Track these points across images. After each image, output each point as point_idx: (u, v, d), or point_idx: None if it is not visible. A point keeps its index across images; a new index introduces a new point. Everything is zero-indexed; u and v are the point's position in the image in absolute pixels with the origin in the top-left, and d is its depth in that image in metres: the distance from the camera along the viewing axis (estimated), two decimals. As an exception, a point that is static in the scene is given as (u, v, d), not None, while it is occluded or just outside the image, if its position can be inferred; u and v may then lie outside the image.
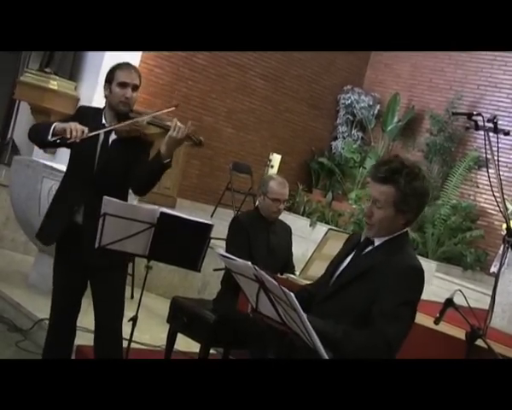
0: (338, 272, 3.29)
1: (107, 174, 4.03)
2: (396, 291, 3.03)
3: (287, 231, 5.47)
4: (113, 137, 4.08)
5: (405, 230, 3.21)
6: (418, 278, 3.10)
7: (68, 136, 3.82)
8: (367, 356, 2.93)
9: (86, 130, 3.86)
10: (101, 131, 3.99)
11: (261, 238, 5.19)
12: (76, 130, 3.83)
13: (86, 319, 4.42)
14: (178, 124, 3.86)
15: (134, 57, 9.19)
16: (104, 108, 4.16)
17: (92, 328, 4.25)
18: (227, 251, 5.10)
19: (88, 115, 4.16)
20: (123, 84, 4.03)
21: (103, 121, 4.11)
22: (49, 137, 3.90)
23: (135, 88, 4.07)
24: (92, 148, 4.04)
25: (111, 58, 8.85)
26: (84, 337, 4.83)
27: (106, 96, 4.13)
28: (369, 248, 3.23)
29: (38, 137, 4.04)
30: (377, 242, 3.21)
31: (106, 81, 4.11)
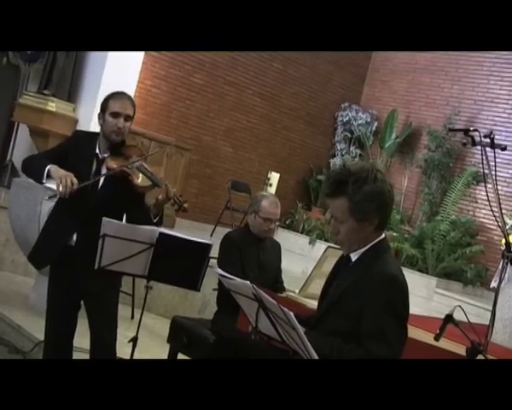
0: (327, 295, 3.24)
1: (101, 200, 4.07)
2: (377, 307, 2.95)
3: (276, 247, 5.45)
4: (103, 169, 4.12)
5: (381, 236, 3.12)
6: (397, 285, 3.01)
7: (58, 190, 3.87)
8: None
9: (76, 182, 3.88)
10: (89, 182, 4.01)
11: (252, 255, 5.17)
12: (65, 186, 3.84)
13: (85, 340, 4.41)
14: (162, 192, 4.00)
15: (131, 77, 9.25)
16: (99, 135, 4.19)
17: (86, 347, 4.26)
18: (219, 268, 5.11)
19: (83, 141, 4.21)
20: (115, 114, 4.07)
21: (97, 150, 4.14)
22: (44, 181, 3.97)
23: (127, 118, 4.11)
24: (85, 174, 4.06)
25: (109, 79, 8.97)
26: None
27: (100, 125, 4.16)
28: (349, 265, 3.17)
29: (34, 176, 4.08)
30: (354, 257, 3.13)
31: (100, 110, 4.15)
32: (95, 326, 4.18)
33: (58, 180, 3.88)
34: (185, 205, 4.04)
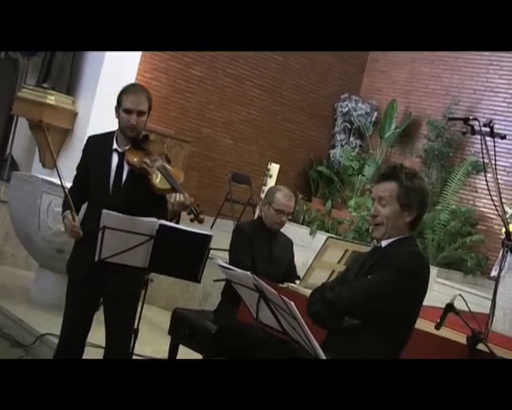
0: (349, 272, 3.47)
1: (125, 196, 4.04)
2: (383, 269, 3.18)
3: (289, 243, 5.47)
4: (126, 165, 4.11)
5: (412, 235, 3.32)
6: (414, 260, 3.24)
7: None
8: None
9: (73, 222, 3.97)
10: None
11: (263, 248, 5.19)
12: (70, 231, 4.00)
13: (92, 335, 4.40)
14: (178, 199, 3.94)
15: (130, 70, 9.24)
16: (117, 130, 4.18)
17: (96, 343, 4.23)
18: (230, 259, 5.12)
19: (96, 143, 4.20)
20: (128, 111, 4.05)
21: (114, 146, 4.13)
22: None
23: (141, 113, 4.07)
24: (105, 172, 4.07)
25: (108, 72, 8.96)
26: (89, 353, 4.80)
27: (117, 119, 4.15)
28: (378, 250, 3.34)
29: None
30: (384, 243, 3.27)
31: (116, 104, 4.13)
32: (112, 330, 4.17)
33: (65, 228, 4.04)
34: (201, 216, 4.00)
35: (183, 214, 4.05)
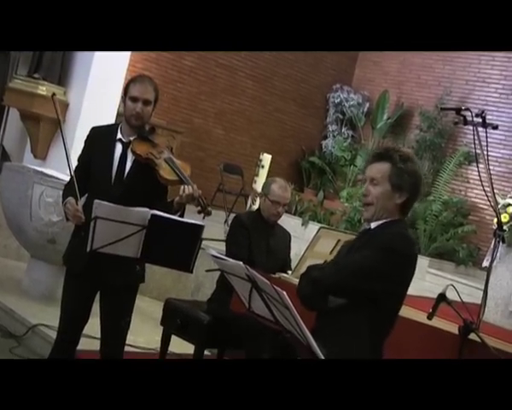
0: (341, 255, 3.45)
1: (127, 189, 4.02)
2: (366, 252, 3.17)
3: (286, 236, 5.49)
4: (130, 154, 4.08)
5: (402, 219, 3.29)
6: (398, 240, 3.19)
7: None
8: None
9: (76, 207, 3.90)
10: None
11: (261, 239, 5.21)
12: (73, 216, 3.91)
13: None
14: (187, 191, 3.94)
15: (122, 61, 9.20)
16: (121, 121, 4.17)
17: (90, 333, 4.25)
18: (227, 249, 5.15)
19: (100, 136, 4.17)
20: (134, 99, 4.03)
21: (119, 136, 4.11)
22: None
23: (146, 102, 4.05)
24: (108, 162, 4.06)
25: (100, 62, 8.92)
26: (82, 343, 4.79)
27: (123, 109, 4.14)
28: (367, 232, 3.33)
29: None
30: (373, 225, 3.26)
31: (123, 94, 4.13)
32: (108, 322, 4.15)
33: (66, 213, 3.96)
34: (209, 208, 3.98)
35: (190, 207, 4.03)
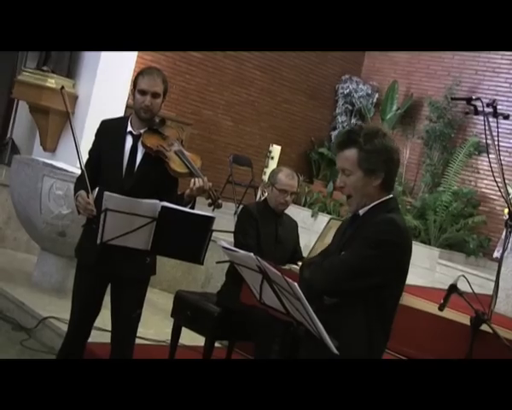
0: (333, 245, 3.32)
1: (138, 181, 4.02)
2: (352, 250, 3.07)
3: (293, 225, 5.49)
4: (140, 146, 4.08)
5: (390, 196, 3.17)
6: (389, 228, 3.05)
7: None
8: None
9: (87, 200, 3.88)
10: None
11: (269, 229, 5.21)
12: (84, 209, 3.90)
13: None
14: (197, 183, 3.92)
15: (130, 53, 9.19)
16: (131, 114, 4.17)
17: (101, 326, 4.26)
18: (236, 239, 5.14)
19: (110, 129, 4.17)
20: (142, 92, 4.03)
21: (129, 128, 4.11)
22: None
23: (155, 95, 4.05)
24: (119, 154, 4.06)
25: (108, 55, 8.92)
26: (92, 336, 4.80)
27: (133, 102, 4.14)
28: (356, 218, 3.21)
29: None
30: (362, 212, 3.17)
31: (132, 86, 4.14)
32: (119, 314, 4.15)
33: (77, 206, 3.95)
34: (219, 201, 3.98)
35: (200, 199, 4.02)
